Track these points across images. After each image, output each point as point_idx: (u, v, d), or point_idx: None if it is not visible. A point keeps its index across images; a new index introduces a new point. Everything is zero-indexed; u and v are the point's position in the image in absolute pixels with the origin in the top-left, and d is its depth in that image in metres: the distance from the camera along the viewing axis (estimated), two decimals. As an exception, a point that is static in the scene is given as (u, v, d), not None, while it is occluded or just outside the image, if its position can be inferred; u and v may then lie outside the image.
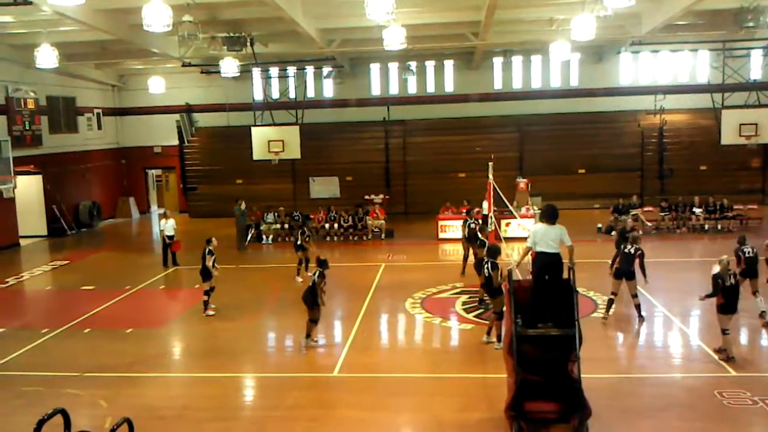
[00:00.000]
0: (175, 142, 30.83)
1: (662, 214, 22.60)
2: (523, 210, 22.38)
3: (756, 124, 22.58)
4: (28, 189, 25.00)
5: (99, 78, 29.83)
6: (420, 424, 9.34)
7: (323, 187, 28.79)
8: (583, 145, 28.15)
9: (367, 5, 14.11)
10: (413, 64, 29.12)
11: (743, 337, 12.30)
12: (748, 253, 12.95)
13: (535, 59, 29.59)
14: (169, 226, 19.72)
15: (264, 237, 23.55)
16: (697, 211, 22.42)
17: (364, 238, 23.26)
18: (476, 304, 14.56)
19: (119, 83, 31.69)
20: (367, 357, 11.91)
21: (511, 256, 16.63)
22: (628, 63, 29.40)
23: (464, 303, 14.88)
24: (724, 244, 16.56)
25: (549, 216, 9.54)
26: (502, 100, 29.94)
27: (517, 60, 29.77)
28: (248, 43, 21.41)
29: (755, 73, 27.20)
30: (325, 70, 28.86)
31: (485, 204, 21.26)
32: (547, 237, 9.34)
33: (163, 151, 31.82)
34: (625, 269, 13.10)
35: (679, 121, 28.53)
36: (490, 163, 18.30)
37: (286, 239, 22.83)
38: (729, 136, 22.97)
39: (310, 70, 29.96)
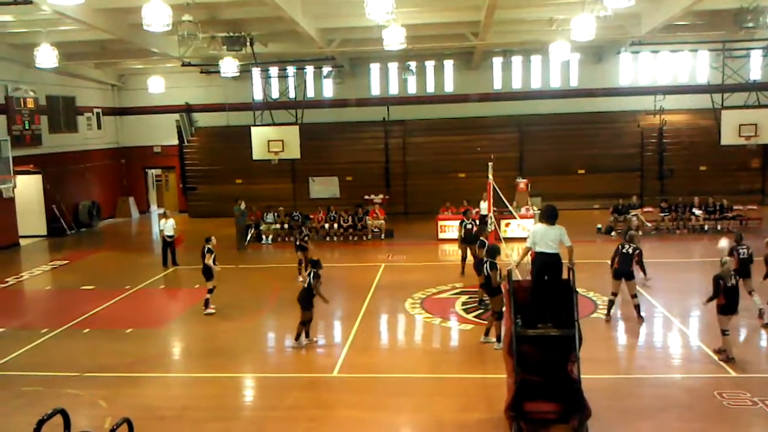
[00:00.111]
0: (175, 141, 30.83)
1: (662, 214, 22.60)
2: (523, 210, 22.39)
3: (755, 125, 22.60)
4: (28, 189, 25.01)
5: (99, 78, 29.82)
6: (420, 424, 9.34)
7: (323, 187, 28.78)
8: (583, 145, 28.15)
9: (367, 5, 14.12)
10: (413, 64, 29.12)
11: (743, 338, 12.30)
12: (743, 254, 12.99)
13: (535, 59, 29.60)
14: (169, 225, 19.72)
15: (264, 237, 23.55)
16: (697, 211, 22.42)
17: (364, 238, 23.26)
18: (476, 304, 14.56)
19: (119, 83, 31.68)
20: (366, 357, 11.91)
21: (511, 256, 16.62)
22: (627, 63, 29.41)
23: (464, 303, 14.88)
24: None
25: (548, 216, 9.53)
26: (501, 100, 29.95)
27: (516, 60, 29.78)
28: (248, 43, 21.40)
29: (755, 74, 27.22)
30: (325, 69, 28.87)
31: (483, 204, 21.32)
32: (546, 237, 9.33)
33: (163, 150, 31.83)
34: (623, 269, 13.10)
35: (678, 122, 28.54)
36: (490, 164, 18.31)
37: (286, 239, 22.85)
38: (729, 137, 22.99)
39: (309, 69, 29.97)
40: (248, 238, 23.14)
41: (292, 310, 13.40)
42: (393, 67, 30.03)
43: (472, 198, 21.32)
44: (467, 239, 17.18)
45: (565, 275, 9.04)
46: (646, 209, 23.46)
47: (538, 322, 8.72)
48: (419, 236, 23.13)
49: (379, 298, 15.72)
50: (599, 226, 22.50)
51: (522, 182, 23.98)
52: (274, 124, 24.13)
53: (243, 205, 22.63)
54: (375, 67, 30.28)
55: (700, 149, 27.14)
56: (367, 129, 30.02)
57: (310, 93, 30.65)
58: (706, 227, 22.24)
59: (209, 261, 14.46)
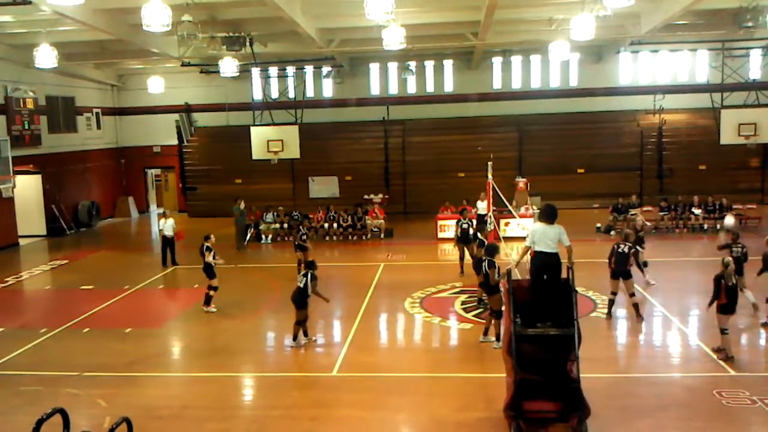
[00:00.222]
0: (175, 141, 30.84)
1: (661, 213, 22.61)
2: (523, 210, 22.39)
3: (755, 124, 22.60)
4: (27, 189, 25.03)
5: (98, 78, 29.82)
6: (419, 423, 9.34)
7: (322, 187, 28.79)
8: (583, 144, 28.14)
9: (367, 5, 14.12)
10: (412, 64, 29.10)
11: (742, 337, 12.30)
12: (737, 252, 13.14)
13: (535, 59, 29.60)
14: (169, 225, 19.72)
15: (263, 237, 23.56)
16: (697, 210, 22.43)
17: (364, 237, 23.27)
18: (475, 303, 14.57)
19: (118, 83, 31.68)
20: (366, 356, 11.91)
21: (510, 255, 16.63)
22: (627, 63, 29.41)
23: (463, 303, 14.88)
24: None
25: (548, 215, 9.53)
26: (501, 99, 29.97)
27: (516, 60, 29.78)
28: (247, 43, 21.41)
29: (754, 73, 27.20)
30: (325, 69, 28.88)
31: (479, 204, 21.34)
32: (545, 237, 9.33)
33: (163, 150, 31.83)
34: (620, 269, 13.11)
35: (678, 121, 28.54)
36: (490, 163, 18.32)
37: (286, 239, 22.88)
38: (728, 136, 22.98)
39: (309, 69, 29.98)
40: (248, 237, 23.15)
41: (291, 309, 13.38)
42: (393, 67, 30.03)
43: (471, 198, 21.35)
44: (463, 239, 17.20)
45: (564, 274, 9.05)
46: (645, 208, 23.44)
47: (538, 321, 8.73)
48: (419, 236, 23.14)
49: (378, 297, 15.73)
50: (599, 225, 22.51)
51: (521, 182, 23.99)
52: (274, 124, 24.14)
53: (242, 205, 22.63)
54: (375, 67, 30.28)
55: (699, 148, 27.15)
56: (366, 129, 30.02)
57: (310, 93, 30.64)
58: (705, 226, 22.24)
59: (209, 258, 14.48)
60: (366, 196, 25.74)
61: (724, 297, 10.76)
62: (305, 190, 28.89)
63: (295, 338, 12.29)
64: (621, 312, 13.57)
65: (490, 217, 18.69)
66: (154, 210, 32.66)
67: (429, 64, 30.21)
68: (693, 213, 22.42)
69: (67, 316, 14.69)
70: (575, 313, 8.58)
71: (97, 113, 30.65)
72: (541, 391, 8.55)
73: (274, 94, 27.97)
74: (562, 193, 24.81)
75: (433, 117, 29.73)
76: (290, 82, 29.50)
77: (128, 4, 17.67)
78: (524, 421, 8.35)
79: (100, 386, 10.68)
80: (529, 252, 9.70)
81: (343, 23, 21.26)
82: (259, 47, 22.97)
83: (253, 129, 24.07)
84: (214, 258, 14.54)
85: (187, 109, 31.28)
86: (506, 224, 22.13)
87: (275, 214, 24.00)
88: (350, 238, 23.29)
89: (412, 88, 30.37)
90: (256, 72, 26.19)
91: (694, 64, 28.95)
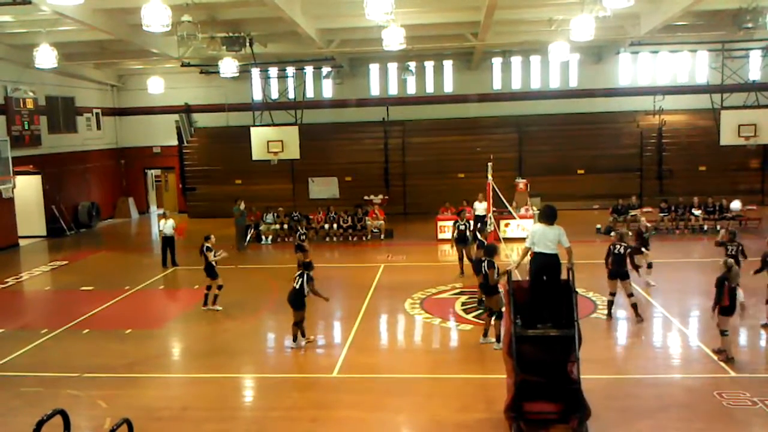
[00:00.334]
0: (175, 142, 30.83)
1: (661, 214, 22.61)
2: (522, 210, 22.40)
3: (755, 125, 22.63)
4: (27, 189, 25.00)
5: (98, 78, 29.82)
6: (419, 424, 9.34)
7: (322, 188, 28.77)
8: (582, 145, 28.14)
9: (367, 5, 14.12)
10: (412, 65, 29.10)
11: (742, 338, 12.30)
12: (731, 251, 13.12)
13: (534, 60, 29.61)
14: (169, 226, 19.72)
15: (263, 237, 23.56)
16: (696, 211, 22.44)
17: (364, 238, 23.26)
18: (475, 304, 14.56)
19: (118, 83, 31.68)
20: (366, 357, 11.91)
21: (510, 256, 16.62)
22: (627, 63, 29.42)
23: (463, 303, 14.88)
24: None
25: (547, 216, 9.52)
26: (501, 100, 29.98)
27: (516, 60, 29.80)
28: (247, 44, 21.41)
29: (754, 74, 27.25)
30: (325, 70, 28.87)
31: (477, 205, 21.33)
32: (545, 238, 9.32)
33: (163, 151, 31.82)
34: (617, 270, 13.10)
35: (678, 122, 28.55)
36: (489, 164, 18.32)
37: (286, 239, 22.88)
38: (728, 137, 23.00)
39: (309, 70, 29.97)
40: (248, 238, 23.14)
41: (290, 310, 13.39)
42: (392, 67, 30.04)
43: (471, 198, 21.36)
44: (460, 240, 17.18)
45: (564, 275, 9.04)
46: (645, 209, 23.41)
47: (538, 322, 8.73)
48: (419, 236, 23.14)
49: (378, 298, 15.72)
50: (598, 226, 22.49)
51: (521, 182, 23.99)
52: (274, 125, 24.14)
53: (242, 206, 22.62)
54: (374, 68, 30.28)
55: (699, 149, 27.15)
56: (366, 129, 30.03)
57: (310, 93, 30.64)
58: (705, 227, 22.24)
59: (212, 258, 14.49)
60: (366, 197, 25.74)
61: (727, 299, 10.74)
62: (305, 191, 28.87)
63: (294, 339, 12.30)
64: (621, 313, 13.57)
65: (490, 218, 18.69)
66: (154, 211, 32.67)
67: (429, 65, 30.22)
68: (693, 214, 22.42)
69: (68, 317, 14.68)
70: (576, 314, 8.57)
71: (97, 113, 30.65)
72: (541, 392, 8.55)
73: (274, 94, 27.97)
74: (561, 194, 24.78)
75: (433, 118, 29.74)
76: (290, 82, 29.51)
77: (128, 4, 17.68)
78: (525, 423, 8.35)
79: (101, 387, 10.67)
80: (529, 253, 9.70)
81: (343, 24, 21.27)
82: (259, 47, 22.97)
83: (252, 129, 24.07)
84: (215, 255, 14.55)
85: (187, 110, 31.28)
86: (506, 225, 22.12)
87: (275, 214, 23.99)
88: (350, 238, 23.29)
89: (411, 89, 30.37)
90: (255, 72, 26.18)
91: (693, 65, 28.97)
